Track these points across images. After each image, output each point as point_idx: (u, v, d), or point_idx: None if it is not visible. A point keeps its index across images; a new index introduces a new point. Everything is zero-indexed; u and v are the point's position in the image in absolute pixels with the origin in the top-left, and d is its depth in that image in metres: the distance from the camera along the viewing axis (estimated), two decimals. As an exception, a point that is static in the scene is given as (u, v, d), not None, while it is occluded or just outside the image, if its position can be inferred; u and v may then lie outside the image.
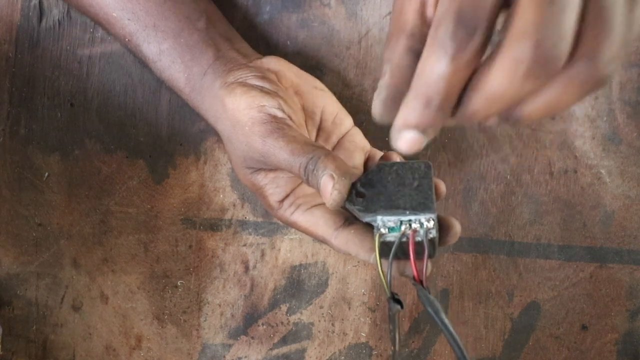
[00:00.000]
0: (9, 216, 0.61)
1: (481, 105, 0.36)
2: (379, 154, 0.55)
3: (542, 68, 0.34)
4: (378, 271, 0.46)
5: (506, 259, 0.62)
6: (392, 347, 0.49)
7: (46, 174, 0.61)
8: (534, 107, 0.37)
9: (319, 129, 0.56)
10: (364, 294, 0.62)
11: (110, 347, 0.61)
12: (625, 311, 0.62)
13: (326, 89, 0.57)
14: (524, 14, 0.33)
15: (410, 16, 0.38)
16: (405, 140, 0.38)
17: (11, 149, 0.61)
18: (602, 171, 0.62)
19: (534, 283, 0.62)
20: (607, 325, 0.62)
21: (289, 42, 0.61)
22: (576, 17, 0.34)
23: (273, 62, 0.56)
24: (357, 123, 0.58)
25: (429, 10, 0.38)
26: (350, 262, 0.62)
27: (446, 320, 0.42)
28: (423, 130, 0.37)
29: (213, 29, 0.55)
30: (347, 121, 0.57)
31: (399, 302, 0.46)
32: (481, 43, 0.35)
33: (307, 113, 0.55)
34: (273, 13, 0.62)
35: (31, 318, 0.61)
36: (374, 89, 0.61)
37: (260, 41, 0.61)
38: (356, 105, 0.61)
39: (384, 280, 0.46)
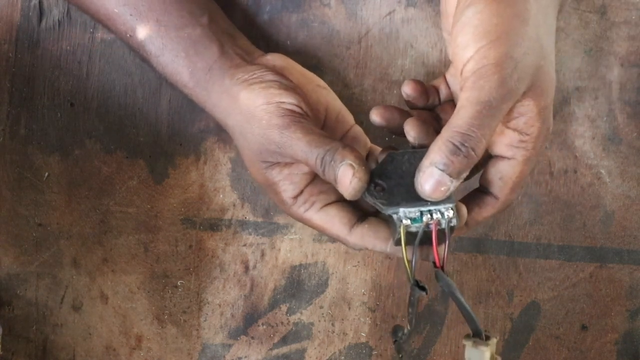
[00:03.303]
0: (9, 216, 0.61)
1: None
2: (378, 150, 0.56)
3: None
4: (403, 259, 0.48)
5: (506, 259, 0.62)
6: (408, 326, 0.51)
7: (46, 174, 0.61)
8: None
9: (323, 127, 0.56)
10: (364, 294, 0.62)
11: (110, 347, 0.61)
12: (625, 311, 0.62)
13: (328, 87, 0.57)
14: (510, 192, 0.51)
15: None
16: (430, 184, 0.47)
17: (11, 149, 0.61)
18: (602, 171, 0.62)
19: (534, 283, 0.62)
20: (607, 325, 0.62)
21: (289, 42, 0.62)
22: None
23: (278, 60, 0.56)
24: (357, 122, 0.58)
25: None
26: (350, 262, 0.62)
27: (461, 297, 0.46)
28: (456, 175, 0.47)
29: (215, 25, 0.56)
30: (348, 119, 0.57)
31: (423, 288, 0.48)
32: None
33: (312, 111, 0.55)
34: (273, 13, 0.62)
35: (31, 318, 0.61)
36: (373, 89, 0.61)
37: (261, 41, 0.61)
38: (356, 105, 0.61)
39: (408, 268, 0.48)
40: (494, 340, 0.47)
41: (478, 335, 0.47)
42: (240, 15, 0.61)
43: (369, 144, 0.57)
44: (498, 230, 0.62)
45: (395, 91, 0.62)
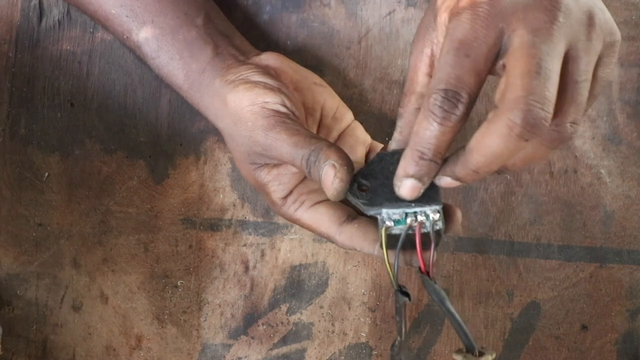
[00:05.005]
0: (9, 216, 0.61)
1: (483, 163, 0.43)
2: (379, 146, 0.56)
3: (531, 130, 0.40)
4: (385, 264, 0.46)
5: (506, 259, 0.62)
6: (399, 337, 0.49)
7: (46, 174, 0.61)
8: (515, 161, 0.45)
9: (320, 125, 0.56)
10: (364, 294, 0.62)
11: (110, 347, 0.61)
12: (625, 311, 0.62)
13: (325, 84, 0.57)
14: (514, 86, 0.40)
15: (420, 78, 0.47)
16: (406, 186, 0.45)
17: (11, 149, 0.61)
18: (602, 171, 0.62)
19: (534, 283, 0.62)
20: (607, 325, 0.62)
21: (289, 42, 0.62)
22: (557, 85, 0.41)
23: (272, 59, 0.56)
24: (357, 123, 0.58)
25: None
26: (350, 262, 0.62)
27: (452, 308, 0.44)
28: (419, 178, 0.44)
29: (211, 25, 0.56)
30: (347, 115, 0.57)
31: (406, 294, 0.46)
32: (464, 112, 0.42)
33: (307, 109, 0.55)
34: (273, 13, 0.62)
35: (31, 318, 0.61)
36: (373, 89, 0.61)
37: (261, 41, 0.61)
38: (356, 105, 0.61)
39: (390, 273, 0.46)
40: (488, 358, 0.43)
41: (470, 351, 0.44)
42: (240, 15, 0.61)
43: (369, 140, 0.57)
44: (498, 230, 0.62)
45: (395, 91, 0.62)
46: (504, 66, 0.42)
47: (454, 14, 0.43)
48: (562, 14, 0.42)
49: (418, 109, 0.47)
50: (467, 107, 0.42)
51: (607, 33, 0.44)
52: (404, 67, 0.61)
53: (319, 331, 0.62)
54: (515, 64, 0.41)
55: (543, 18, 0.42)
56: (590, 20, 0.43)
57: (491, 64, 0.43)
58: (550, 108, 0.41)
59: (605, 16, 0.45)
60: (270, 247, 0.61)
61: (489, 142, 0.41)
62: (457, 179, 0.45)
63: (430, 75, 0.47)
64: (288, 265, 0.61)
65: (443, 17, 0.45)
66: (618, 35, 0.45)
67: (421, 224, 0.46)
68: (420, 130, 0.43)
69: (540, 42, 0.41)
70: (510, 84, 0.41)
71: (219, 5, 0.58)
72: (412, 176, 0.44)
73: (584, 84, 0.43)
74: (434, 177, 0.45)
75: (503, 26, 0.42)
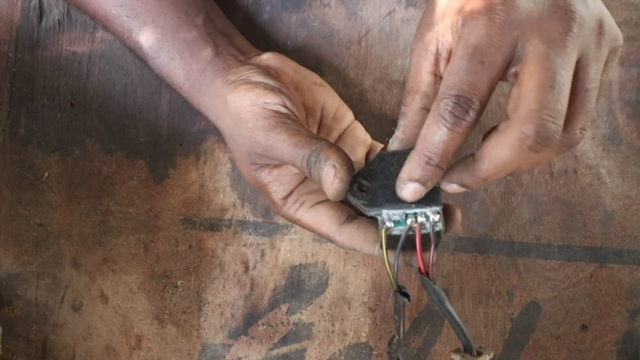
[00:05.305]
0: (9, 216, 0.61)
1: (493, 172, 0.43)
2: (379, 146, 0.56)
3: (543, 143, 0.41)
4: (385, 264, 0.46)
5: (506, 259, 0.62)
6: (397, 336, 0.49)
7: (46, 174, 0.61)
8: (521, 166, 0.44)
9: (320, 125, 0.56)
10: (364, 294, 0.62)
11: (110, 347, 0.61)
12: (625, 311, 0.62)
13: (325, 84, 0.57)
14: (528, 99, 0.41)
15: (424, 76, 0.47)
16: (409, 189, 0.45)
17: (11, 149, 0.61)
18: (602, 171, 0.62)
19: (534, 283, 0.62)
20: (607, 325, 0.62)
21: (289, 42, 0.62)
22: (568, 96, 0.41)
23: (272, 59, 0.56)
24: (357, 123, 0.58)
25: (441, 68, 0.47)
26: (350, 262, 0.62)
27: (451, 309, 0.44)
28: (423, 182, 0.44)
29: (212, 25, 0.56)
30: (347, 116, 0.57)
31: (405, 294, 0.46)
32: (474, 118, 0.42)
33: (308, 109, 0.55)
34: (273, 13, 0.62)
35: (31, 318, 0.61)
36: (373, 89, 0.61)
37: (261, 41, 0.61)
38: (356, 105, 0.61)
39: (390, 273, 0.46)
40: (486, 357, 0.44)
41: (468, 351, 0.44)
42: (240, 15, 0.61)
43: (369, 140, 0.57)
44: (498, 230, 0.62)
45: (395, 91, 0.62)
46: (515, 74, 0.42)
47: (468, 17, 0.43)
48: (576, 24, 0.42)
49: (422, 108, 0.48)
50: (478, 114, 0.42)
51: (613, 39, 0.45)
52: (404, 67, 0.61)
53: (319, 331, 0.62)
54: (529, 76, 0.41)
55: (558, 29, 0.42)
56: (600, 29, 0.44)
57: (504, 72, 0.43)
58: (562, 121, 0.41)
59: (611, 22, 0.45)
60: (270, 247, 0.61)
61: (500, 153, 0.42)
62: (464, 186, 0.45)
63: (434, 74, 0.47)
64: (288, 265, 0.61)
65: (454, 19, 0.44)
66: (621, 40, 0.45)
67: (421, 225, 0.46)
68: (429, 135, 0.43)
69: (554, 54, 0.41)
70: (524, 97, 0.41)
71: (219, 5, 0.58)
72: (416, 180, 0.44)
73: (593, 91, 0.43)
74: (438, 181, 0.45)
75: (518, 34, 0.42)
